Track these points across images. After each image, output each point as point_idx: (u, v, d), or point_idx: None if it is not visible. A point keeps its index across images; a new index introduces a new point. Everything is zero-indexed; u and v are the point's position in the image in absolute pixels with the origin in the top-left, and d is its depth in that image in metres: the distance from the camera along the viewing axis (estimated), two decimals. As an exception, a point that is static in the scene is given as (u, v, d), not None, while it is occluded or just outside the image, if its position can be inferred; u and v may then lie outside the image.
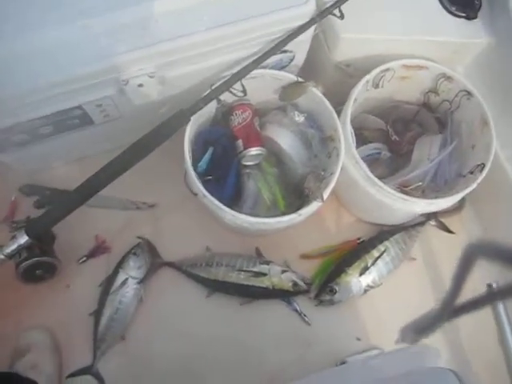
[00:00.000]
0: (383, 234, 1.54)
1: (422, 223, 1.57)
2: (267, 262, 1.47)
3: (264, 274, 1.44)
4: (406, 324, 0.97)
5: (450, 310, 0.69)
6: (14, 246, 1.24)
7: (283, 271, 1.46)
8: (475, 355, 1.50)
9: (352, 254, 1.51)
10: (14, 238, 1.24)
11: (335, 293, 1.46)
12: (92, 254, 1.50)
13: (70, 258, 1.48)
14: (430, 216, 1.56)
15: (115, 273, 1.45)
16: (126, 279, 1.43)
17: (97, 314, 1.42)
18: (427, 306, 1.48)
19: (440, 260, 1.59)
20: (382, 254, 1.48)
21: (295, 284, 1.46)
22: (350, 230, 1.62)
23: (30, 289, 1.40)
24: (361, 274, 1.47)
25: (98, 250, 1.51)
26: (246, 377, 1.43)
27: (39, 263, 1.33)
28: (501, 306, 1.33)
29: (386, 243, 1.50)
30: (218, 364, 1.44)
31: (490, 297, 0.58)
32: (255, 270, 1.45)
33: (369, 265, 1.47)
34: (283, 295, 1.49)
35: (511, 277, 0.58)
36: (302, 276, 1.49)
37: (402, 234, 1.53)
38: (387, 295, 1.52)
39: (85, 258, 1.50)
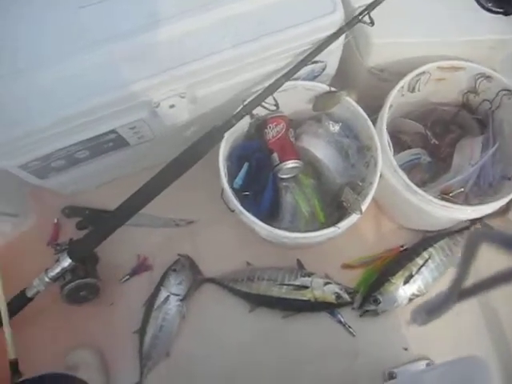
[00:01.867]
0: (427, 240, 1.50)
1: (467, 227, 1.52)
2: (309, 275, 1.46)
3: (306, 287, 1.43)
4: (417, 306, 0.95)
5: (458, 291, 0.69)
6: (57, 269, 1.26)
7: (326, 283, 1.44)
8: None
9: (395, 263, 1.48)
10: (57, 261, 1.27)
11: (379, 303, 1.43)
12: (134, 273, 1.52)
13: (113, 278, 1.50)
14: (475, 220, 1.50)
15: (157, 290, 1.46)
16: (168, 296, 1.45)
17: (141, 332, 1.44)
18: (471, 312, 1.46)
19: (485, 266, 1.54)
20: (426, 261, 1.44)
21: (338, 296, 1.43)
22: (392, 238, 1.58)
23: (75, 309, 1.42)
24: (405, 283, 1.43)
25: (140, 268, 1.53)
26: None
27: (83, 285, 1.35)
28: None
29: (431, 250, 1.46)
30: (262, 378, 1.43)
31: (499, 279, 0.57)
32: (297, 283, 1.43)
33: (413, 273, 1.43)
34: (326, 307, 1.46)
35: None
36: (344, 287, 1.46)
37: (446, 239, 1.48)
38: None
39: (127, 277, 1.52)
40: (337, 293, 1.44)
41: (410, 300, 1.45)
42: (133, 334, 1.44)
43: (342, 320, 1.48)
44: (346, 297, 1.44)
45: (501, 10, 1.34)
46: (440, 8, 1.32)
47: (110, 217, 1.29)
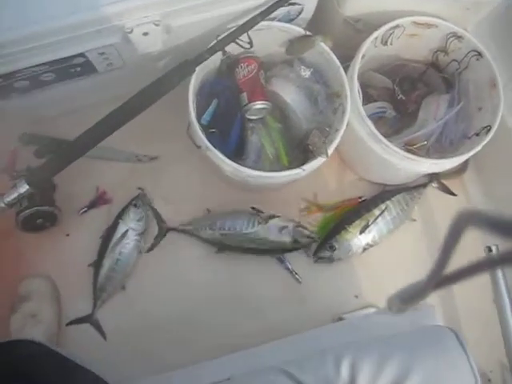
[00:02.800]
0: (385, 193, 1.54)
1: (424, 185, 1.57)
2: (266, 221, 1.46)
3: (265, 235, 1.45)
4: (393, 293, 0.98)
5: (437, 279, 0.70)
6: (14, 195, 1.23)
7: (282, 228, 1.46)
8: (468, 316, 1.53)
9: (353, 213, 1.52)
10: (14, 186, 1.24)
11: (334, 250, 1.47)
12: (93, 205, 1.50)
13: (71, 209, 1.48)
14: (432, 178, 1.56)
15: (115, 224, 1.45)
16: (127, 231, 1.44)
17: (97, 265, 1.43)
18: (424, 267, 1.51)
19: (439, 222, 1.59)
20: (382, 212, 1.48)
21: (296, 241, 1.46)
22: (352, 189, 1.61)
23: (30, 237, 1.40)
24: (361, 232, 1.47)
25: (99, 201, 1.51)
26: (242, 329, 1.45)
27: (40, 212, 1.33)
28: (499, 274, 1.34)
29: (388, 202, 1.50)
30: (214, 316, 1.46)
31: (478, 267, 0.58)
32: (255, 230, 1.45)
33: (369, 223, 1.48)
34: (285, 251, 1.49)
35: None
36: (300, 231, 1.47)
37: (403, 194, 1.53)
38: (386, 255, 1.53)
39: (85, 209, 1.50)
40: (294, 237, 1.46)
41: (364, 249, 1.49)
42: (88, 266, 1.44)
43: (290, 267, 1.51)
44: (303, 241, 1.47)
45: (478, -28, 1.35)
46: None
47: (71, 145, 1.26)
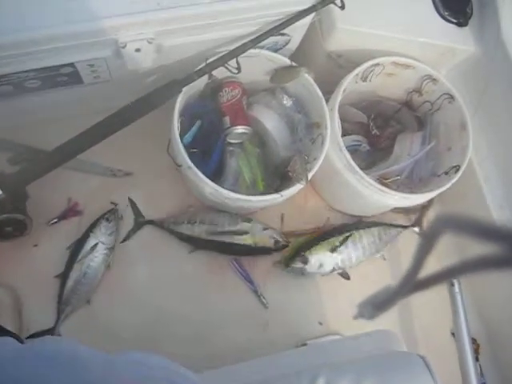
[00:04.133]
0: (361, 223, 1.59)
1: (405, 226, 1.62)
2: (249, 220, 1.49)
3: (246, 232, 1.47)
4: (364, 299, 1.01)
5: (409, 284, 0.73)
6: (-15, 200, 1.21)
7: (264, 228, 1.49)
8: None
9: (327, 232, 1.55)
10: (-15, 191, 1.21)
11: (307, 262, 1.49)
12: (63, 216, 1.48)
13: (41, 218, 1.44)
14: (416, 222, 1.62)
15: (85, 237, 1.44)
16: (96, 244, 1.42)
17: (63, 277, 1.40)
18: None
19: (406, 260, 1.64)
20: (354, 239, 1.52)
21: (276, 241, 1.49)
22: (320, 216, 1.64)
23: (-4, 245, 1.36)
24: (332, 251, 1.50)
25: (70, 212, 1.49)
26: (205, 346, 1.44)
27: (10, 220, 1.30)
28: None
29: (361, 231, 1.54)
30: (177, 332, 1.45)
31: (449, 273, 0.61)
32: (238, 227, 1.47)
33: (339, 244, 1.50)
34: (265, 252, 1.51)
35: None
36: (281, 233, 1.53)
37: (379, 228, 1.57)
38: (352, 285, 1.55)
39: (56, 220, 1.47)
40: (275, 238, 1.50)
41: (333, 270, 1.52)
42: (54, 278, 1.41)
43: (258, 290, 1.53)
44: (283, 241, 1.51)
45: (455, 21, 1.44)
46: (405, 8, 1.39)
47: (49, 155, 1.25)
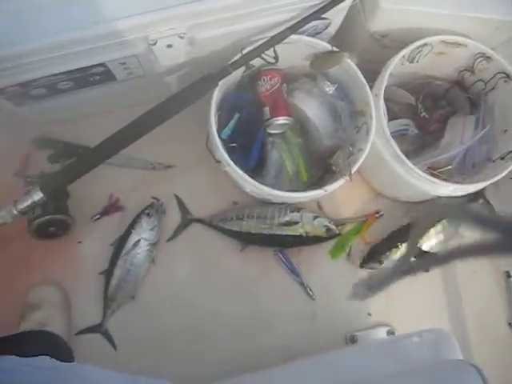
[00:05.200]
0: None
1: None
2: (298, 210, 1.45)
3: (296, 223, 1.43)
4: (359, 280, 0.96)
5: (403, 267, 0.69)
6: (28, 203, 1.21)
7: (315, 217, 1.45)
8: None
9: (404, 230, 1.48)
10: (28, 193, 1.21)
11: (382, 264, 1.45)
12: (105, 212, 1.48)
13: (83, 215, 1.45)
14: (477, 195, 1.51)
15: (127, 233, 1.43)
16: (139, 240, 1.41)
17: (108, 274, 1.41)
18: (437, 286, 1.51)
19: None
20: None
21: (328, 229, 1.46)
22: (367, 203, 1.59)
23: (41, 244, 1.37)
24: None
25: (112, 208, 1.48)
26: (253, 343, 1.44)
27: (53, 221, 1.31)
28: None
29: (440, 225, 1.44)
30: (224, 329, 1.44)
31: (445, 257, 0.57)
32: (287, 218, 1.43)
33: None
34: (317, 241, 1.48)
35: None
36: (333, 220, 1.48)
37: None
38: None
39: (98, 216, 1.47)
40: (326, 226, 1.46)
41: None
42: (99, 274, 1.42)
43: (304, 282, 1.49)
44: (335, 229, 1.47)
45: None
46: (452, -19, 1.28)
47: (88, 154, 1.24)
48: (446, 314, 1.52)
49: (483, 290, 1.52)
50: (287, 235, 1.44)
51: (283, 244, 1.47)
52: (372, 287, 0.77)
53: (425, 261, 0.67)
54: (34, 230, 1.29)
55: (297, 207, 1.46)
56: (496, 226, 0.47)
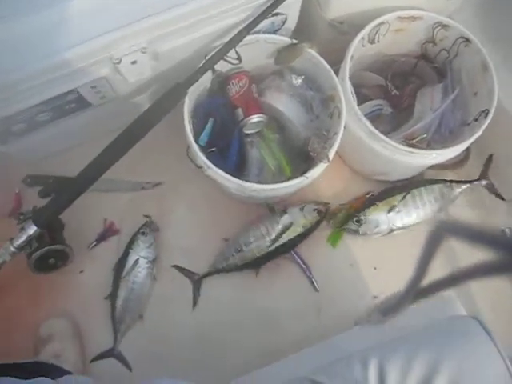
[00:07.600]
0: (421, 181, 1.53)
1: (470, 181, 1.53)
2: (285, 211, 1.47)
3: (291, 224, 1.45)
4: (373, 305, 0.96)
5: (415, 290, 0.69)
6: (23, 238, 1.23)
7: (301, 208, 1.47)
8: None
9: (384, 192, 1.51)
10: (22, 229, 1.24)
11: (362, 224, 1.47)
12: (102, 238, 1.50)
13: (81, 244, 1.48)
14: (482, 175, 1.53)
15: (126, 254, 1.46)
16: (137, 259, 1.44)
17: (112, 297, 1.43)
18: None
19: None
20: (414, 197, 1.47)
21: (319, 211, 1.47)
22: (357, 188, 1.60)
23: (46, 279, 1.39)
24: (389, 211, 1.47)
25: (107, 233, 1.51)
26: (265, 345, 1.44)
27: (51, 252, 1.32)
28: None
29: (422, 189, 1.48)
30: (234, 335, 1.45)
31: (456, 278, 0.56)
32: (280, 226, 1.45)
33: (397, 203, 1.46)
34: (317, 226, 1.49)
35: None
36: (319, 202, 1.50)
37: (441, 185, 1.50)
38: (406, 253, 1.49)
39: (95, 243, 1.50)
40: (316, 208, 1.47)
41: (391, 231, 1.48)
42: (104, 299, 1.44)
43: (310, 275, 1.51)
44: (324, 205, 1.50)
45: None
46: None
47: (73, 181, 1.26)
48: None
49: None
50: (290, 239, 1.46)
51: (292, 247, 1.49)
52: (386, 312, 0.77)
53: (437, 283, 0.67)
54: (34, 263, 1.31)
55: (282, 210, 1.48)
56: (497, 243, 0.47)
